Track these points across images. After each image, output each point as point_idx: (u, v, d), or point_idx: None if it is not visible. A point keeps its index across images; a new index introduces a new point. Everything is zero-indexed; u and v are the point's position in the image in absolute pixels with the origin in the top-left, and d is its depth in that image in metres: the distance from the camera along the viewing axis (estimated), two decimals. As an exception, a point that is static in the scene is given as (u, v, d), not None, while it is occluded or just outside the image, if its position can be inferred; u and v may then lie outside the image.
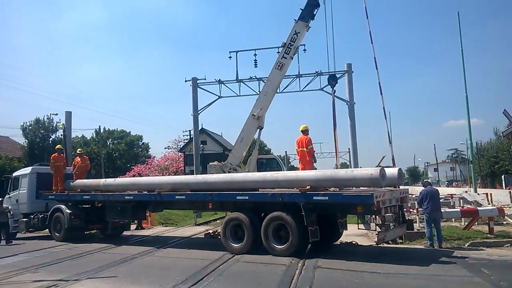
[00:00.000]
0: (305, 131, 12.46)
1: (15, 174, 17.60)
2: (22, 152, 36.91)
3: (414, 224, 12.38)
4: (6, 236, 14.92)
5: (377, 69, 14.62)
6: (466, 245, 10.87)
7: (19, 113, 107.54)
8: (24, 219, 15.71)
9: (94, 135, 51.40)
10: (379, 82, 14.62)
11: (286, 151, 61.20)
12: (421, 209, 11.92)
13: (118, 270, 9.06)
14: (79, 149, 18.40)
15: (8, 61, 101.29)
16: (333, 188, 10.05)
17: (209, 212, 20.38)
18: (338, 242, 11.77)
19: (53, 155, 15.97)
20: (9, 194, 17.00)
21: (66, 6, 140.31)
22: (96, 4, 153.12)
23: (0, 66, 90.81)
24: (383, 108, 14.67)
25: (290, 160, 58.67)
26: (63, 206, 14.66)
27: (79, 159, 16.14)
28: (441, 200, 12.65)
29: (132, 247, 12.71)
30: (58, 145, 18.08)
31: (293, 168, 51.21)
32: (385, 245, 11.15)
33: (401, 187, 11.65)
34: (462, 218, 13.73)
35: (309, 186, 9.63)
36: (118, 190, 13.93)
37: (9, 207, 15.93)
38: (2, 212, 15.03)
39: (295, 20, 14.97)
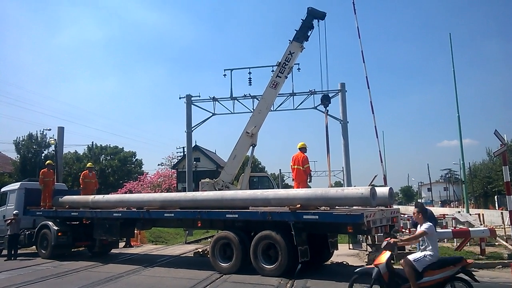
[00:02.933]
0: (302, 149, 12.34)
1: (3, 189, 17.29)
2: (14, 167, 36.56)
3: (406, 245, 12.22)
4: (14, 251, 14.67)
5: (369, 88, 14.78)
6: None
7: (12, 128, 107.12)
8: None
9: (87, 151, 51.07)
10: (370, 102, 14.78)
11: (280, 169, 61.28)
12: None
13: (102, 290, 8.84)
14: (89, 163, 17.97)
15: (3, 77, 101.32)
16: (323, 207, 9.94)
17: (200, 230, 20.26)
18: (328, 262, 11.61)
19: (42, 170, 15.78)
20: (-4, 209, 16.70)
21: (63, 24, 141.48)
22: (94, 22, 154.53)
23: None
24: (375, 127, 14.78)
25: (284, 178, 58.59)
26: (50, 223, 14.40)
27: (89, 174, 16.05)
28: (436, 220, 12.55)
29: (119, 265, 12.45)
30: (49, 161, 17.88)
31: (287, 186, 51.12)
32: (376, 265, 10.98)
33: (393, 206, 11.56)
34: (454, 239, 13.61)
35: (299, 205, 9.52)
36: (107, 207, 13.68)
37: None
38: (17, 225, 14.76)
39: (289, 40, 15.20)
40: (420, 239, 6.41)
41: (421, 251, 6.31)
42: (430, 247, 6.19)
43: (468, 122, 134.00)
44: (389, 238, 6.63)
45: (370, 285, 6.31)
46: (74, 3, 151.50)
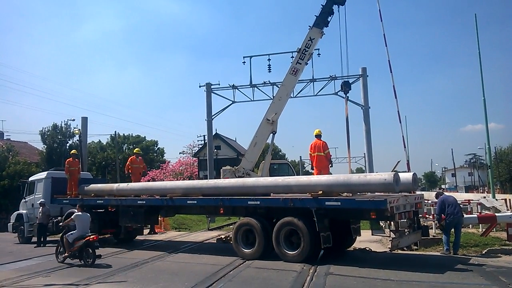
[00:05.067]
0: (319, 136, 12.41)
1: (31, 179, 17.85)
2: (40, 157, 37.44)
3: (430, 230, 12.08)
4: (43, 239, 15.18)
5: (391, 72, 14.48)
6: (483, 252, 10.55)
7: (38, 119, 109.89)
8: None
9: (110, 141, 51.90)
10: (393, 86, 14.48)
11: (300, 156, 60.94)
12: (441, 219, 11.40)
13: (128, 275, 9.05)
14: (137, 149, 17.96)
15: (29, 69, 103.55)
16: (346, 194, 9.88)
17: (222, 217, 20.45)
18: (351, 248, 11.58)
19: (68, 160, 16.11)
20: (25, 198, 17.27)
21: (85, 17, 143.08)
22: (114, 13, 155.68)
23: (21, 74, 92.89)
24: (398, 112, 14.48)
25: (305, 166, 58.33)
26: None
27: (136, 159, 16.22)
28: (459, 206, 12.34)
29: (144, 251, 12.73)
30: (73, 150, 18.29)
31: (307, 174, 50.93)
32: (399, 251, 10.93)
33: (417, 192, 11.40)
34: (480, 225, 13.36)
35: (321, 191, 9.48)
36: (131, 195, 13.97)
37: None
38: (44, 215, 15.20)
39: (309, 26, 15.02)
40: None
41: None
42: None
43: (493, 105, 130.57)
44: None
45: None
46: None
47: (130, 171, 15.99)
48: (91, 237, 10.41)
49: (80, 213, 11.25)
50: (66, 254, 10.73)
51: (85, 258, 10.37)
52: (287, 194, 10.57)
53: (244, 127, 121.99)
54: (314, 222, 9.38)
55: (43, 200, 15.53)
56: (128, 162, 16.19)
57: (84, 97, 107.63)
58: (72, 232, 10.75)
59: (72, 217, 11.32)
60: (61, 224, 12.49)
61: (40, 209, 15.20)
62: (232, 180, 12.80)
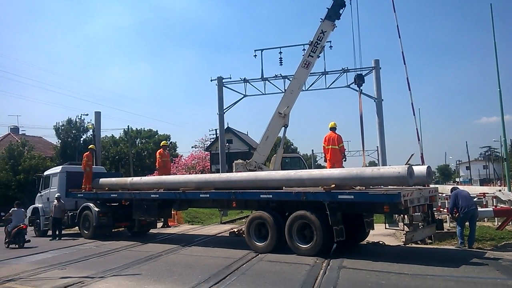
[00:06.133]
0: (333, 128, 12.38)
1: (46, 173, 18.10)
2: (55, 152, 37.96)
3: (444, 224, 11.96)
4: (58, 233, 15.49)
5: (405, 64, 14.26)
6: (499, 246, 10.43)
7: (52, 114, 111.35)
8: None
9: (123, 135, 52.33)
10: (407, 78, 14.27)
11: (312, 150, 60.82)
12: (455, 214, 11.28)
13: (142, 268, 9.14)
14: (164, 142, 17.90)
15: (42, 65, 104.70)
16: (359, 187, 9.81)
17: (235, 210, 20.53)
18: (364, 242, 11.52)
19: (85, 153, 16.26)
20: (40, 192, 17.54)
21: (96, 12, 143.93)
22: (125, 9, 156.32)
23: (35, 69, 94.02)
24: (412, 104, 14.27)
25: (317, 159, 58.17)
26: (91, 204, 14.96)
27: (164, 152, 16.14)
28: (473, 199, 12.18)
29: (157, 245, 12.84)
30: (91, 145, 18.56)
31: (320, 167, 50.78)
32: (413, 245, 10.85)
33: (431, 185, 11.28)
34: (495, 218, 13.19)
35: (334, 185, 9.43)
36: (144, 189, 14.08)
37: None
38: (59, 209, 15.46)
39: (321, 19, 14.92)
40: None
41: None
42: None
43: (509, 97, 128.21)
44: None
45: None
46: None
47: (159, 164, 15.75)
48: (21, 226, 13.80)
49: (16, 209, 14.30)
50: (7, 240, 13.83)
51: (18, 242, 13.53)
52: (299, 187, 10.55)
53: (255, 121, 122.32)
54: (327, 215, 9.35)
55: (58, 194, 15.75)
56: (158, 156, 15.89)
57: (97, 92, 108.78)
58: (9, 224, 13.94)
59: (10, 211, 14.27)
60: (4, 217, 15.22)
61: (56, 203, 15.40)
62: (245, 173, 12.81)
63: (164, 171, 15.68)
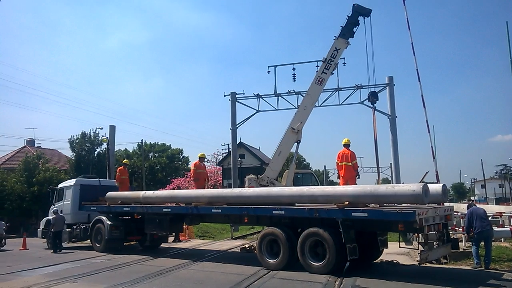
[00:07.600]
0: (347, 145, 12.35)
1: (60, 185, 18.28)
2: (69, 165, 38.34)
3: (460, 243, 11.71)
4: (59, 245, 15.56)
5: (419, 81, 14.18)
6: (518, 268, 10.14)
7: (67, 127, 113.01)
8: (67, 229, 16.23)
9: (137, 149, 52.78)
10: (422, 95, 14.18)
11: (325, 166, 60.48)
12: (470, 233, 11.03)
13: (153, 283, 9.10)
14: (201, 153, 16.63)
15: (58, 79, 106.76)
16: (373, 204, 9.68)
17: (246, 226, 20.39)
18: (378, 261, 11.34)
19: (119, 168, 16.80)
20: (54, 204, 17.67)
21: (111, 28, 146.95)
22: (138, 25, 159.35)
23: (51, 84, 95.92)
24: (426, 121, 14.12)
25: (329, 175, 57.76)
26: (104, 218, 15.02)
27: (200, 164, 15.91)
28: (489, 219, 11.92)
29: (168, 259, 12.79)
30: (125, 160, 18.87)
31: (332, 183, 50.41)
32: (428, 265, 10.61)
33: (446, 204, 11.09)
34: (513, 238, 12.88)
35: (347, 202, 9.33)
36: (157, 203, 14.08)
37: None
38: (59, 222, 15.57)
39: (335, 37, 15.06)
40: None
41: None
42: None
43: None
44: None
45: None
46: (119, 7, 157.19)
47: (194, 176, 15.56)
48: None
49: None
50: None
51: None
52: (312, 204, 10.46)
53: (268, 136, 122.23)
54: (340, 233, 9.23)
55: (55, 208, 16.04)
56: (192, 168, 15.62)
57: (111, 106, 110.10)
58: None
59: None
60: None
61: (55, 217, 15.60)
62: (257, 189, 12.75)
63: (199, 184, 15.45)
